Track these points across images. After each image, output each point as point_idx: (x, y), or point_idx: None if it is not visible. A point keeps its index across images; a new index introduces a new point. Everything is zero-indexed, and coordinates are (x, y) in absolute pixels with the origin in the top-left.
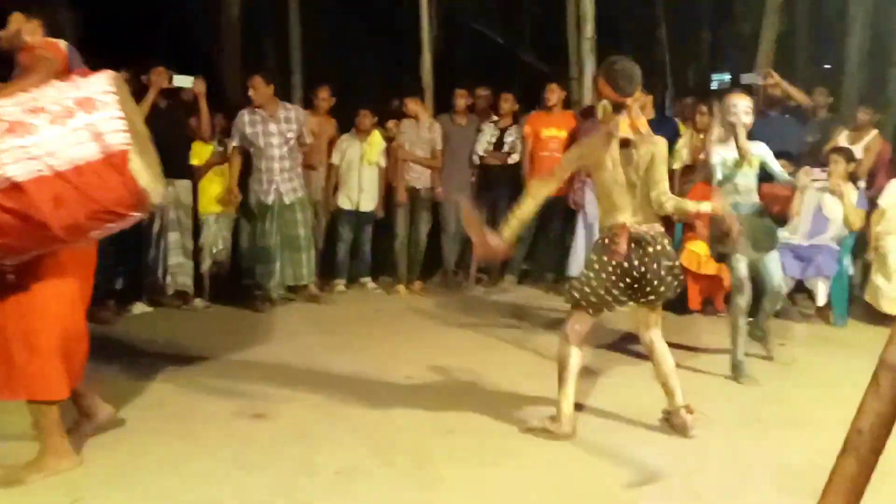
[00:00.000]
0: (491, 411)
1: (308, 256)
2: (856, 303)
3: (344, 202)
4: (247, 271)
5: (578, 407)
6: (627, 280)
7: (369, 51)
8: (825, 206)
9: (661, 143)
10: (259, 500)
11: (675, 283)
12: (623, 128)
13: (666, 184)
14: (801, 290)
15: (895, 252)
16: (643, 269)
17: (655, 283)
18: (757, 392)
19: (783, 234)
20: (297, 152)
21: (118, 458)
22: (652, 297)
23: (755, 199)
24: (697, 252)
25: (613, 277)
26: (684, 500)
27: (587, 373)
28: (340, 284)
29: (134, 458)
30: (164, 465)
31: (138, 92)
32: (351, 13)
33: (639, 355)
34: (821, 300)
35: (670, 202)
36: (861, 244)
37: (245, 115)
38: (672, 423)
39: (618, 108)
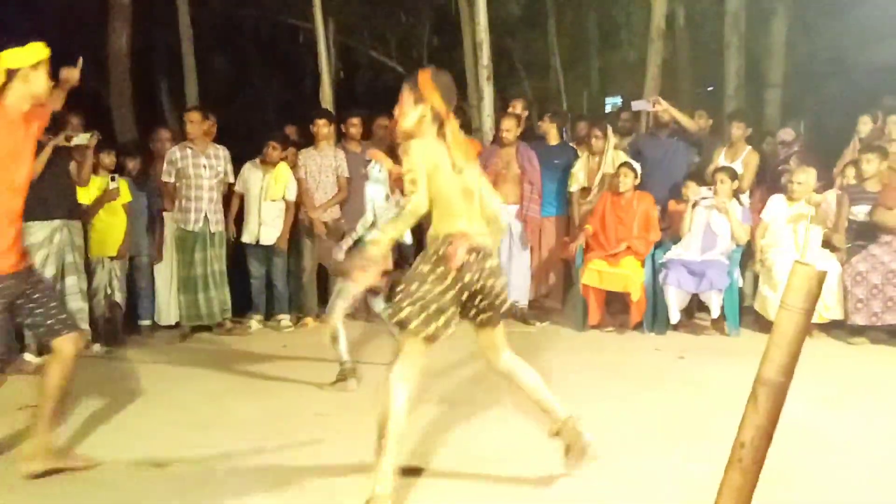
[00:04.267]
0: (402, 445)
1: (223, 292)
2: (747, 313)
3: (244, 235)
4: (145, 310)
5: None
6: (465, 295)
7: (267, 81)
8: (713, 222)
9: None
10: None
11: (506, 298)
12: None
13: None
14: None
15: (780, 263)
16: (482, 283)
17: (492, 298)
18: (660, 407)
19: (677, 250)
20: (221, 190)
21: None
22: (484, 315)
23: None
24: (598, 270)
25: (452, 291)
26: None
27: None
28: (255, 320)
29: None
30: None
31: None
32: (246, 44)
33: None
34: (715, 312)
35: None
36: (748, 257)
37: (176, 151)
38: (563, 436)
39: (438, 118)
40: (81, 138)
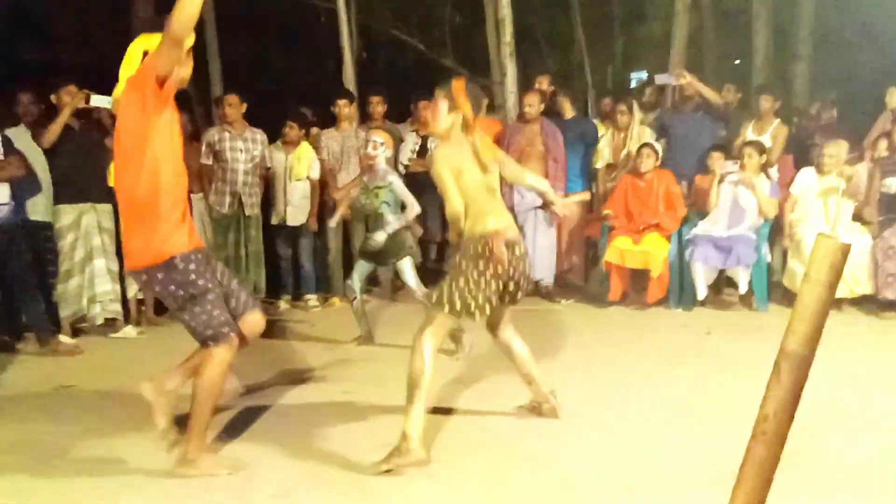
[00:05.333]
0: (426, 422)
1: (258, 273)
2: (776, 288)
3: (272, 217)
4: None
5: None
6: (503, 284)
7: (290, 62)
8: (740, 197)
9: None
10: None
11: (530, 282)
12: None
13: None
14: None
15: (809, 238)
16: (515, 272)
17: (522, 283)
18: (686, 382)
19: (704, 226)
20: (258, 174)
21: (49, 488)
22: (511, 297)
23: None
24: (620, 248)
25: (494, 284)
26: (617, 493)
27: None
28: (283, 300)
29: (61, 487)
30: (92, 499)
31: (46, 114)
32: (269, 25)
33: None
34: (742, 288)
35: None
36: (776, 232)
37: (214, 133)
38: (542, 410)
39: (467, 125)
40: (103, 100)
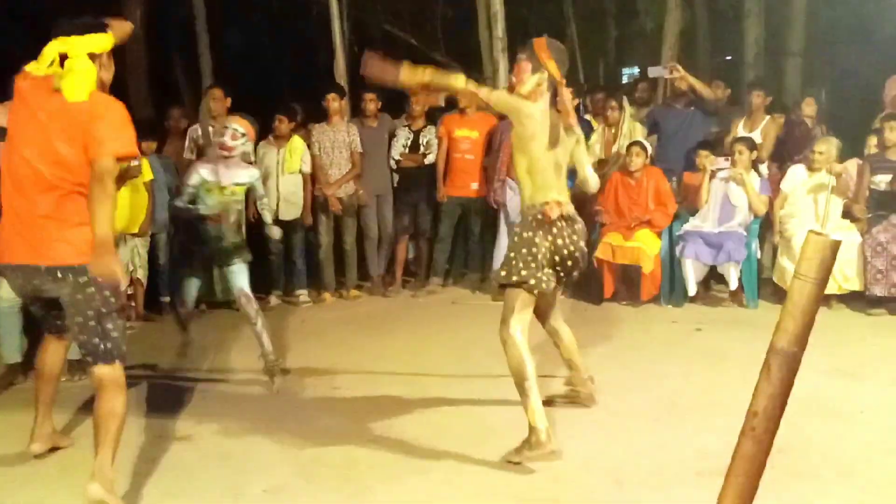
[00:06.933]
0: (417, 418)
1: None
2: (766, 285)
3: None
4: (165, 287)
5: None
6: (557, 258)
7: (282, 56)
8: (731, 194)
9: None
10: None
11: (584, 261)
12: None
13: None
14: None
15: (799, 235)
16: (572, 247)
17: (578, 259)
18: (675, 378)
19: (694, 222)
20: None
21: (35, 484)
22: (572, 275)
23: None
24: (611, 244)
25: (548, 255)
26: (606, 488)
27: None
28: (274, 296)
29: (54, 480)
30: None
31: None
32: (261, 19)
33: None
34: (733, 284)
35: (594, 179)
36: (766, 228)
37: (198, 128)
38: (581, 395)
39: (552, 85)
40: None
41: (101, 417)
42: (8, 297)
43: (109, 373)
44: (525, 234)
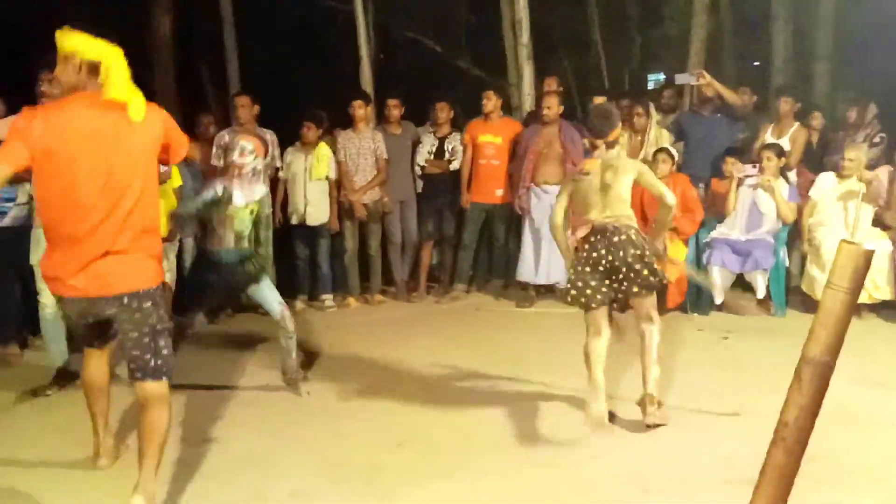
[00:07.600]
0: (441, 422)
1: (271, 273)
2: (794, 293)
3: (291, 217)
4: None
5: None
6: (600, 269)
7: (307, 64)
8: (759, 201)
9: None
10: None
11: (646, 270)
12: (589, 165)
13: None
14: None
15: (828, 243)
16: (610, 257)
17: (625, 270)
18: (702, 386)
19: (722, 229)
20: (268, 174)
21: (60, 489)
22: (626, 285)
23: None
24: None
25: (588, 268)
26: (632, 495)
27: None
28: (299, 300)
29: (79, 486)
30: (111, 495)
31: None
32: (287, 27)
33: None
34: (760, 293)
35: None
36: (795, 236)
37: (225, 135)
38: (642, 408)
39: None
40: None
41: (146, 432)
42: (51, 304)
43: (157, 389)
44: (574, 258)
